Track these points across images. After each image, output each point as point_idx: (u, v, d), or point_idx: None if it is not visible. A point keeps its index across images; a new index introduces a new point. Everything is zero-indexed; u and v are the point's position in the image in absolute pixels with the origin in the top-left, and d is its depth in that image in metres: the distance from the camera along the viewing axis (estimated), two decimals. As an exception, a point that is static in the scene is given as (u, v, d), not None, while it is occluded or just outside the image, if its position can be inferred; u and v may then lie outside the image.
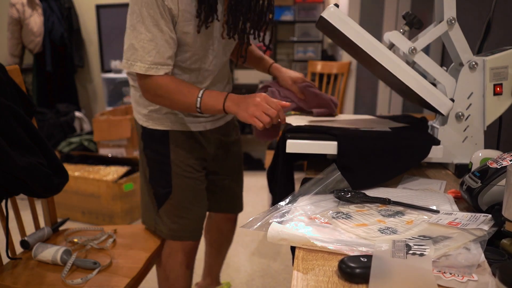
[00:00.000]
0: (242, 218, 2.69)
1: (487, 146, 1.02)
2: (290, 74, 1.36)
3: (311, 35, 3.73)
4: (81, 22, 4.00)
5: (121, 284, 1.11)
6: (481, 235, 0.61)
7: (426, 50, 1.23)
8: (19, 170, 1.05)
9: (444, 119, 1.04)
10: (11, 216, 1.20)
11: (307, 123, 1.13)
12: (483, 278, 0.53)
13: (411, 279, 0.52)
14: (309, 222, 0.70)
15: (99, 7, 3.92)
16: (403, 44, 1.01)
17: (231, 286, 1.86)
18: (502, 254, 0.59)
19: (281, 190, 1.08)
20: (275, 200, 1.15)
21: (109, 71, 4.00)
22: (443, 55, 2.33)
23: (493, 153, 0.87)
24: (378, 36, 0.97)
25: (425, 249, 0.56)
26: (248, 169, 3.78)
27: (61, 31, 3.78)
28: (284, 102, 1.06)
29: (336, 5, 0.95)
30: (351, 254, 0.59)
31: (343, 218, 0.72)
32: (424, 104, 1.02)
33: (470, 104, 1.01)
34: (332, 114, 1.31)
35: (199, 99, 1.10)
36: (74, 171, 2.70)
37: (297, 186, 0.98)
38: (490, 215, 0.68)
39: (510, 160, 0.74)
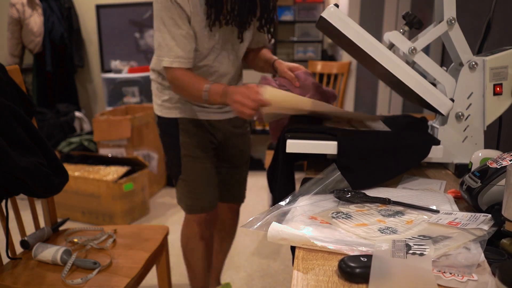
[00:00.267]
0: (242, 218, 2.69)
1: (487, 146, 1.02)
2: (288, 64, 1.38)
3: (311, 35, 3.73)
4: (81, 22, 4.00)
5: (121, 284, 1.11)
6: (481, 235, 0.61)
7: (426, 50, 1.23)
8: (19, 170, 1.05)
9: (444, 119, 1.04)
10: (11, 216, 1.20)
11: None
12: (483, 278, 0.53)
13: (411, 279, 0.52)
14: (309, 222, 0.70)
15: (99, 7, 3.92)
16: (403, 44, 1.01)
17: (231, 286, 1.86)
18: (502, 254, 0.59)
19: (281, 190, 1.08)
20: (275, 200, 1.15)
21: (109, 71, 4.00)
22: (443, 55, 2.33)
23: (493, 153, 0.87)
24: (378, 36, 0.97)
25: (425, 249, 0.56)
26: (248, 169, 3.77)
27: (61, 31, 3.78)
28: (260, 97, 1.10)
29: (336, 5, 0.95)
30: (351, 253, 0.59)
31: (343, 218, 0.72)
32: (424, 104, 1.02)
33: (470, 104, 1.01)
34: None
35: (205, 93, 1.22)
36: (74, 171, 2.70)
37: (297, 186, 0.98)
38: (490, 215, 0.68)
39: (510, 160, 0.74)
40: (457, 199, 0.83)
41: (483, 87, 0.99)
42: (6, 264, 1.21)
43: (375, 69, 1.10)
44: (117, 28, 3.92)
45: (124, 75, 3.81)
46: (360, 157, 0.92)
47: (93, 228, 1.44)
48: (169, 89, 1.44)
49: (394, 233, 0.66)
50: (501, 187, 0.70)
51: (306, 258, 0.61)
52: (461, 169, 0.99)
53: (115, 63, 3.92)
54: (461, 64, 1.01)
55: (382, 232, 0.66)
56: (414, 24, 1.04)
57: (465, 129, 1.02)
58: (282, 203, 0.79)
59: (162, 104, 1.46)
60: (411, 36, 1.09)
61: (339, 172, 0.87)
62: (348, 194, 0.80)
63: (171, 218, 2.76)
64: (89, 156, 3.00)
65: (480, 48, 1.13)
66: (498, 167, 0.73)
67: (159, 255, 1.37)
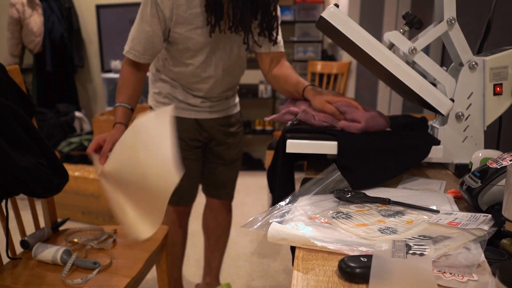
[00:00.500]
0: (242, 218, 2.68)
1: (487, 146, 1.02)
2: (324, 96, 1.10)
3: (311, 35, 3.73)
4: (81, 22, 4.00)
5: (121, 284, 1.11)
6: (481, 235, 0.61)
7: (426, 50, 1.23)
8: (19, 170, 1.05)
9: (444, 119, 1.04)
10: (11, 216, 1.20)
11: None
12: (483, 278, 0.53)
13: (411, 279, 0.52)
14: (309, 222, 0.70)
15: (99, 7, 3.92)
16: (403, 44, 1.01)
17: (231, 286, 1.86)
18: (502, 254, 0.59)
19: (281, 190, 1.08)
20: (275, 200, 1.15)
21: (109, 71, 4.00)
22: (443, 55, 2.33)
23: (493, 153, 0.87)
24: (378, 36, 0.97)
25: (425, 249, 0.56)
26: (248, 169, 3.78)
27: (61, 31, 3.78)
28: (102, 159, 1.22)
29: (336, 5, 0.95)
30: (351, 254, 0.59)
31: (343, 218, 0.72)
32: (424, 104, 1.02)
33: (470, 104, 1.01)
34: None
35: (117, 104, 1.34)
36: (74, 171, 2.70)
37: (297, 186, 0.98)
38: (490, 215, 0.67)
39: (510, 160, 0.74)
40: (457, 199, 0.83)
41: (483, 87, 0.99)
42: (6, 264, 1.21)
43: (375, 69, 1.10)
44: (117, 28, 3.91)
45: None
46: (360, 157, 0.92)
47: (93, 228, 1.44)
48: (160, 82, 1.48)
49: (394, 233, 0.66)
50: (501, 187, 0.70)
51: (306, 258, 0.61)
52: (461, 169, 0.99)
53: (115, 63, 3.92)
54: (461, 64, 1.01)
55: (382, 232, 0.66)
56: (414, 24, 1.04)
57: (465, 129, 1.02)
58: (282, 203, 0.79)
59: (153, 95, 1.52)
60: (411, 36, 1.09)
61: (339, 172, 0.87)
62: (348, 194, 0.80)
63: (171, 218, 2.76)
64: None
65: (480, 48, 1.13)
66: (498, 167, 0.73)
67: (159, 255, 1.37)
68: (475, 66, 0.99)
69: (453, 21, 0.98)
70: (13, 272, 1.17)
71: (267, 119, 1.20)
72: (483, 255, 0.56)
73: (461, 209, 0.78)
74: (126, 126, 1.30)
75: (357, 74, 3.23)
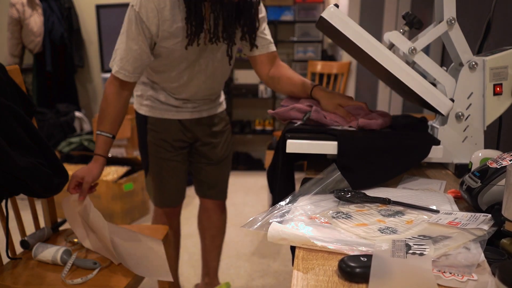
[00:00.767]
0: (242, 218, 2.68)
1: (487, 146, 1.02)
2: (337, 100, 1.13)
3: (311, 35, 3.73)
4: (81, 22, 4.00)
5: (121, 284, 1.11)
6: (481, 235, 0.61)
7: (426, 50, 1.23)
8: (19, 170, 1.05)
9: (444, 119, 1.04)
10: (11, 216, 1.20)
11: None
12: (483, 278, 0.53)
13: (411, 279, 0.52)
14: (309, 222, 0.70)
15: (99, 7, 3.92)
16: (403, 44, 1.01)
17: (230, 286, 1.86)
18: (502, 254, 0.59)
19: (281, 190, 1.08)
20: (275, 200, 1.16)
21: (109, 71, 3.99)
22: (443, 55, 2.33)
23: (493, 153, 0.87)
24: (378, 36, 0.97)
25: (425, 248, 0.56)
26: (248, 169, 3.78)
27: (61, 31, 3.78)
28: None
29: (336, 5, 0.95)
30: (351, 253, 0.59)
31: (343, 218, 0.72)
32: (424, 104, 1.02)
33: (470, 104, 1.01)
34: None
35: (98, 131, 1.30)
36: (74, 171, 2.69)
37: (297, 186, 0.98)
38: (490, 215, 0.68)
39: (510, 160, 0.74)
40: (457, 199, 0.83)
41: (483, 87, 0.99)
42: (6, 264, 1.21)
43: (375, 69, 1.10)
44: (117, 28, 3.90)
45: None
46: (360, 157, 0.92)
47: (93, 228, 1.43)
48: (142, 85, 1.47)
49: (394, 233, 0.66)
50: (501, 187, 0.70)
51: (306, 258, 0.61)
52: (461, 169, 0.99)
53: (115, 63, 3.92)
54: (461, 64, 1.01)
55: (382, 232, 0.66)
56: (414, 24, 1.04)
57: (465, 129, 1.02)
58: (282, 203, 0.79)
59: (136, 98, 1.52)
60: (411, 36, 1.09)
61: (339, 172, 0.87)
62: (348, 194, 0.80)
63: (171, 218, 2.76)
64: (89, 156, 3.00)
65: (480, 48, 1.14)
66: (498, 167, 0.73)
67: (159, 255, 1.37)
68: (475, 66, 0.99)
69: (453, 21, 0.98)
70: (13, 272, 1.17)
71: (270, 111, 1.20)
72: (483, 254, 0.56)
73: (461, 209, 0.78)
74: (105, 158, 1.31)
75: (357, 74, 3.23)
